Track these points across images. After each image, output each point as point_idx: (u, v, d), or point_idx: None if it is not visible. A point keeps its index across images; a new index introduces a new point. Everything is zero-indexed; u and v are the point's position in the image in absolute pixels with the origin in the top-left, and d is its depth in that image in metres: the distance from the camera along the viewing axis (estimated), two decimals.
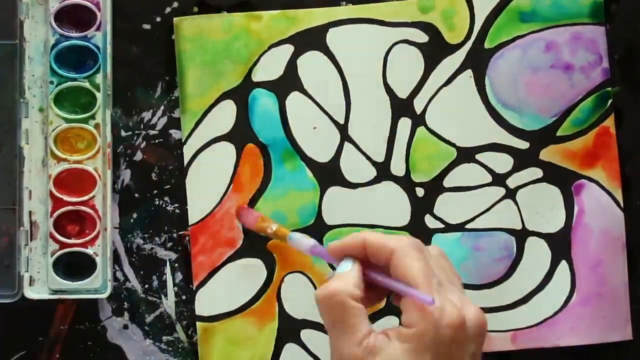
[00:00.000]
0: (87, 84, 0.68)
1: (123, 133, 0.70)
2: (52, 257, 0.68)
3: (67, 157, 0.68)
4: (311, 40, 0.69)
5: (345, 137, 0.69)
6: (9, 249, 0.68)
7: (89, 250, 0.68)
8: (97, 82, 0.68)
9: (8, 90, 0.68)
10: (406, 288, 0.51)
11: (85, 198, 0.68)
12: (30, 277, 0.68)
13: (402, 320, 0.52)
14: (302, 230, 0.69)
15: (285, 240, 0.62)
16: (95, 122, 0.68)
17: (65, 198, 0.68)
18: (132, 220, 0.70)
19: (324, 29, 0.69)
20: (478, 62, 0.70)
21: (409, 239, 0.54)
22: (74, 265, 0.68)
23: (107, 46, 0.68)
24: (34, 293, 0.68)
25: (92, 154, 0.68)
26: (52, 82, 0.67)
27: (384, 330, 0.52)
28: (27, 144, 0.68)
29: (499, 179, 0.70)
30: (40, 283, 0.68)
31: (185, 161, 0.69)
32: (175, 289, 0.70)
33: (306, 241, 0.60)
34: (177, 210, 0.70)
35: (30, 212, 0.68)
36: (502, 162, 0.70)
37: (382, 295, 0.56)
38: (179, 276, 0.70)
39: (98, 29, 0.68)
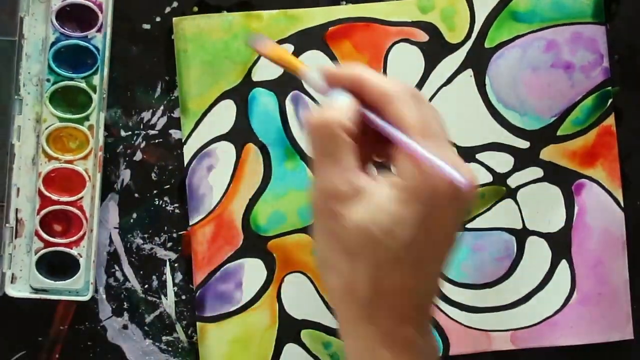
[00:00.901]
0: (83, 84, 0.68)
1: (123, 133, 0.69)
2: (36, 255, 0.67)
3: (59, 156, 0.68)
4: (311, 39, 0.69)
5: None
6: None
7: (74, 251, 0.68)
8: (94, 84, 0.68)
9: (3, 86, 0.68)
10: (415, 146, 0.47)
11: (74, 198, 0.68)
12: (13, 274, 0.68)
13: (396, 171, 0.48)
14: (303, 230, 0.69)
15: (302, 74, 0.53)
16: (89, 124, 0.68)
17: (53, 197, 0.67)
18: (132, 220, 0.70)
19: (324, 28, 0.69)
20: (478, 61, 0.70)
21: (407, 86, 0.49)
22: (57, 265, 0.68)
23: (106, 48, 0.68)
24: (15, 291, 0.68)
25: (83, 155, 0.68)
26: (48, 80, 0.67)
27: (375, 176, 0.48)
28: (19, 141, 0.68)
29: (499, 179, 0.70)
30: (22, 281, 0.68)
31: (185, 161, 0.69)
32: (175, 289, 0.70)
33: (318, 84, 0.52)
34: (177, 210, 0.70)
35: (16, 210, 0.68)
36: (502, 162, 0.70)
37: (371, 144, 0.51)
38: (179, 276, 0.70)
39: (99, 30, 0.68)
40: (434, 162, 0.46)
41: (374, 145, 0.51)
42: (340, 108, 0.49)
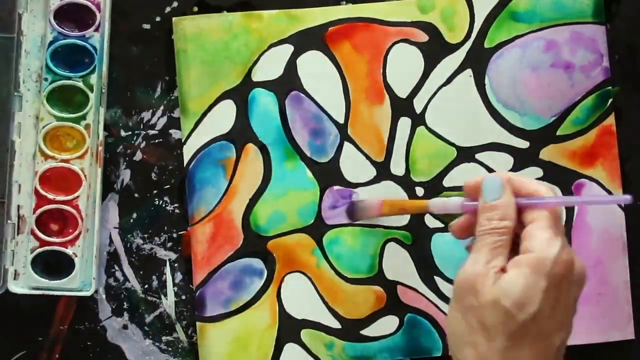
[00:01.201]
0: (80, 84, 0.68)
1: (123, 133, 0.70)
2: (31, 253, 0.67)
3: (55, 155, 0.68)
4: (311, 39, 0.69)
5: (345, 136, 0.69)
6: None
7: (69, 250, 0.68)
8: (91, 83, 0.68)
9: (3, 83, 0.68)
10: (593, 197, 0.57)
11: (69, 197, 0.68)
12: (15, 271, 0.68)
13: (522, 248, 0.55)
14: (303, 230, 0.69)
15: (427, 209, 0.61)
16: (86, 123, 0.68)
17: (49, 196, 0.67)
18: (132, 220, 0.70)
19: (323, 28, 0.69)
20: (478, 61, 0.70)
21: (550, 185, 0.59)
22: (53, 264, 0.68)
23: (104, 47, 0.68)
24: (17, 287, 0.68)
25: (79, 154, 0.68)
26: (46, 79, 0.67)
27: (501, 267, 0.55)
28: (19, 137, 0.68)
29: None
30: (24, 277, 0.68)
31: (185, 161, 0.69)
32: (175, 289, 0.70)
33: (452, 202, 0.61)
34: (177, 210, 0.70)
35: (18, 206, 0.68)
36: (502, 162, 0.70)
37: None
38: (179, 276, 0.70)
39: (97, 29, 0.68)
40: (590, 198, 0.56)
41: (464, 229, 0.61)
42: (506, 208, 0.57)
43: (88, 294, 0.68)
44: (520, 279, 0.54)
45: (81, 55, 0.68)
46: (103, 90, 0.68)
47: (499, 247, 0.56)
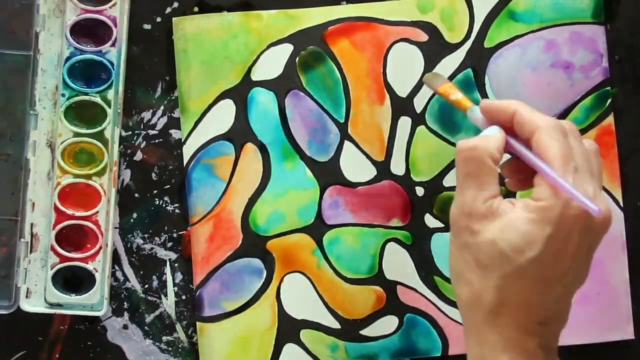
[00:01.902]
0: (98, 99, 0.68)
1: (123, 133, 0.70)
2: (51, 270, 0.67)
3: (74, 171, 0.68)
4: (310, 38, 0.69)
5: (345, 136, 0.70)
6: (7, 260, 0.68)
7: (89, 266, 0.68)
8: (109, 98, 0.68)
9: (19, 101, 0.68)
10: (553, 173, 0.51)
11: (89, 213, 0.68)
12: (27, 289, 0.68)
13: (532, 194, 0.52)
14: (303, 230, 0.69)
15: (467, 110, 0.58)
16: (104, 138, 0.68)
17: (69, 212, 0.67)
18: (132, 220, 0.70)
19: (323, 28, 0.69)
20: (478, 61, 0.70)
21: (557, 121, 0.54)
22: (71, 280, 0.68)
23: (120, 62, 0.68)
24: (30, 306, 0.68)
25: (99, 170, 0.68)
26: (63, 95, 0.67)
27: (510, 200, 0.54)
28: (34, 156, 0.68)
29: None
30: (36, 296, 0.68)
31: (185, 161, 0.69)
32: (175, 289, 0.70)
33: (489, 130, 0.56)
34: (177, 210, 0.70)
35: (32, 224, 0.68)
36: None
37: (520, 173, 0.56)
38: (179, 276, 0.70)
39: (113, 44, 0.68)
40: (567, 188, 0.50)
41: (515, 171, 0.57)
42: (490, 139, 0.54)
43: (100, 313, 0.68)
44: (523, 224, 0.51)
45: (98, 70, 0.68)
46: (119, 111, 0.68)
47: (486, 177, 0.53)
